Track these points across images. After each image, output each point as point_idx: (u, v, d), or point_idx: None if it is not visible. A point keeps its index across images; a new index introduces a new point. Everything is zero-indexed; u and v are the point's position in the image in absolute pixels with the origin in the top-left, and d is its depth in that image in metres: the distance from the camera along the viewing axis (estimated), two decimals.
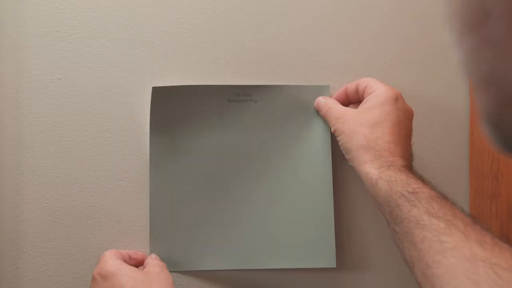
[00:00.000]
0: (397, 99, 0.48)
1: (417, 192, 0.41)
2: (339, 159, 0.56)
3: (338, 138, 0.50)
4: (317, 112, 0.54)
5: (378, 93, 0.48)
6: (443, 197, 0.41)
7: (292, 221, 0.54)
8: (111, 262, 0.48)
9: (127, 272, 0.47)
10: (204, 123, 0.54)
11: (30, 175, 0.54)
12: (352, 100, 0.53)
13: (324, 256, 0.54)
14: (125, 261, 0.50)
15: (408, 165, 0.46)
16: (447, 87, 0.58)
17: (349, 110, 0.50)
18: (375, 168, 0.45)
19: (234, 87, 0.55)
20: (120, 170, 0.55)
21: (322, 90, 0.55)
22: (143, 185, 0.55)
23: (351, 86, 0.52)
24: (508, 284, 0.31)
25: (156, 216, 0.54)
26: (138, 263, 0.52)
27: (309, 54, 0.57)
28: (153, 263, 0.50)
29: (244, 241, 0.54)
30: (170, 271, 0.49)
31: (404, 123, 0.48)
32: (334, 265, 0.54)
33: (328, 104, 0.52)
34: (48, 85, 0.54)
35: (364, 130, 0.47)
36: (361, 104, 0.50)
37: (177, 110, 0.53)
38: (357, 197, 0.57)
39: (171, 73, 0.55)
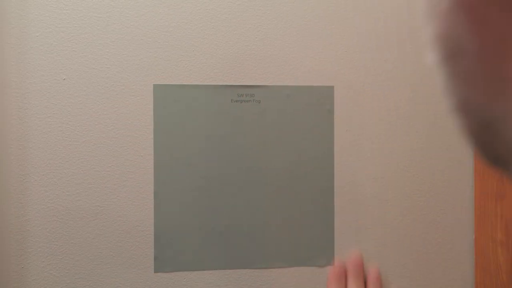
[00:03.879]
0: None
1: None
2: (342, 160, 0.56)
3: None
4: (320, 113, 0.54)
5: None
6: None
7: (294, 220, 0.55)
8: None
9: None
10: (207, 123, 0.55)
11: (35, 176, 0.54)
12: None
13: (323, 254, 0.55)
14: None
15: None
16: None
17: None
18: None
19: (238, 87, 0.55)
20: (125, 170, 0.55)
21: (326, 91, 0.55)
22: (148, 185, 0.55)
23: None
24: None
25: (161, 216, 0.54)
26: None
27: (313, 55, 0.57)
28: None
29: (246, 241, 0.54)
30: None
31: None
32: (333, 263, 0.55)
33: None
34: (53, 85, 0.54)
35: None
36: None
37: (180, 110, 0.53)
38: (357, 197, 0.56)
39: (175, 73, 0.55)
